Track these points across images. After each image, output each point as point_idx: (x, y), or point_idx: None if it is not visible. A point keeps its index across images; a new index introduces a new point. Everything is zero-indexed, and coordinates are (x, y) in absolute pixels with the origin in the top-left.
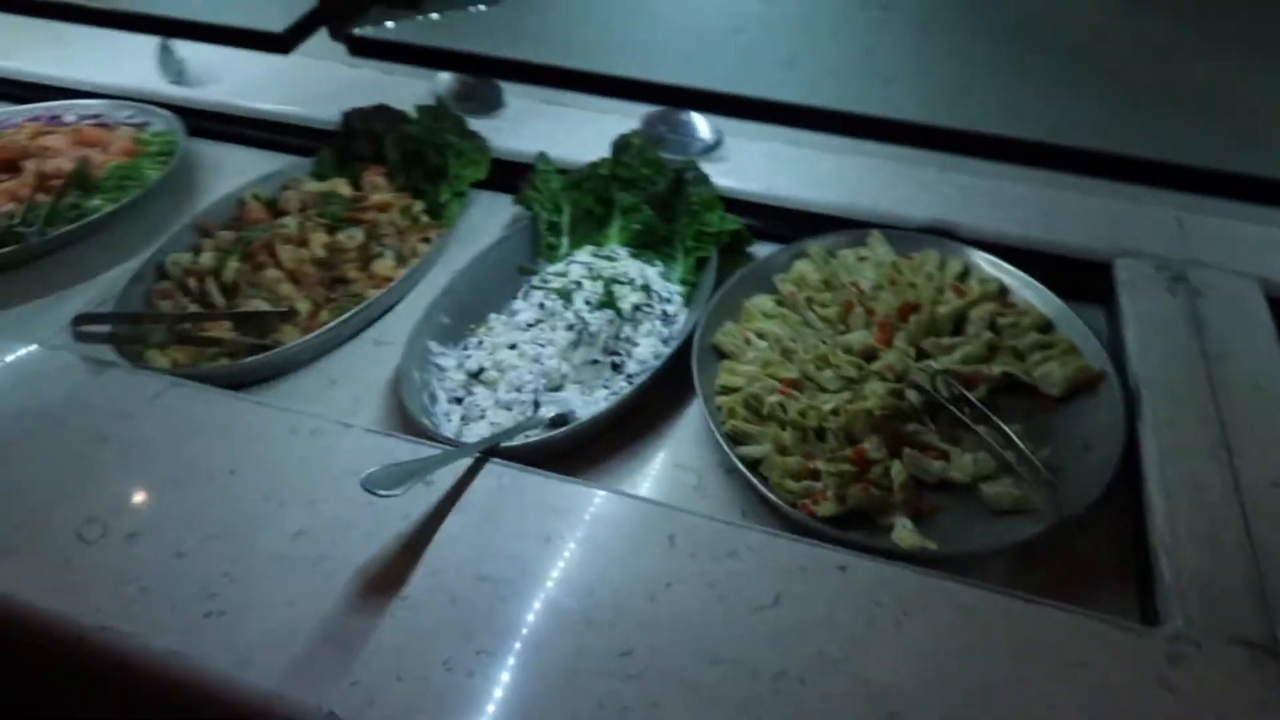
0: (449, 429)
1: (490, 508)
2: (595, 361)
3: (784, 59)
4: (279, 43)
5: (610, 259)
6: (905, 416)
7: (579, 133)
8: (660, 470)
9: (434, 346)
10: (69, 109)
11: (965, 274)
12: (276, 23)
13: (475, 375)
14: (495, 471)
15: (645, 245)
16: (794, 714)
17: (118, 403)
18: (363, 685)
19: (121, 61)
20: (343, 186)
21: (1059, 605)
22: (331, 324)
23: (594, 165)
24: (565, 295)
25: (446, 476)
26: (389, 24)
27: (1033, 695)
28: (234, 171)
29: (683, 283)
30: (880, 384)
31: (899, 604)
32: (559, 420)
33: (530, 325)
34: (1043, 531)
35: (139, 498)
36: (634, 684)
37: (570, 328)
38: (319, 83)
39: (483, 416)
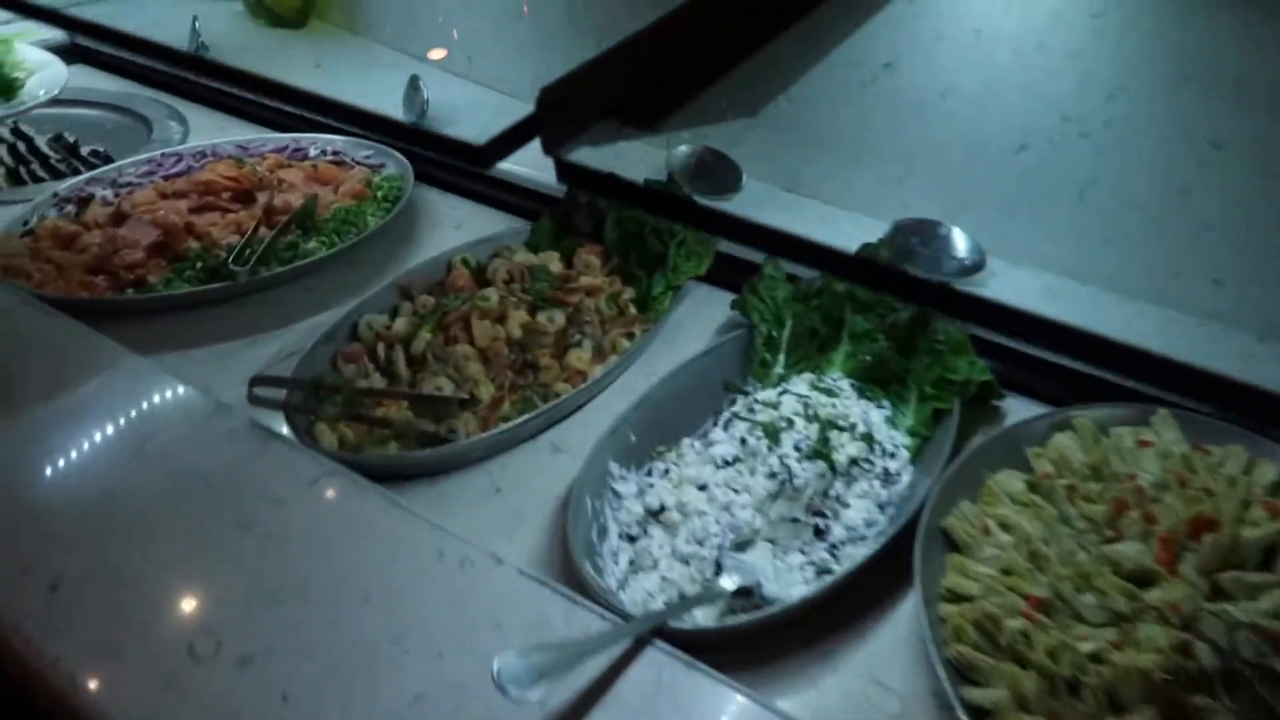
0: (614, 575)
1: (643, 711)
2: (795, 520)
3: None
4: (479, 156)
5: (831, 394)
6: (1192, 683)
7: (819, 232)
8: (854, 683)
9: (615, 469)
10: (314, 142)
11: None
12: (487, 127)
13: (655, 514)
14: (657, 660)
15: (873, 380)
16: None
17: (272, 484)
18: None
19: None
20: (555, 262)
21: None
22: (511, 424)
23: (831, 278)
24: (772, 435)
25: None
26: (609, 144)
27: None
28: (451, 225)
29: (911, 434)
30: (1160, 629)
31: None
32: (742, 591)
33: (726, 464)
34: None
35: (263, 612)
36: None
37: (773, 476)
38: None
39: (655, 566)
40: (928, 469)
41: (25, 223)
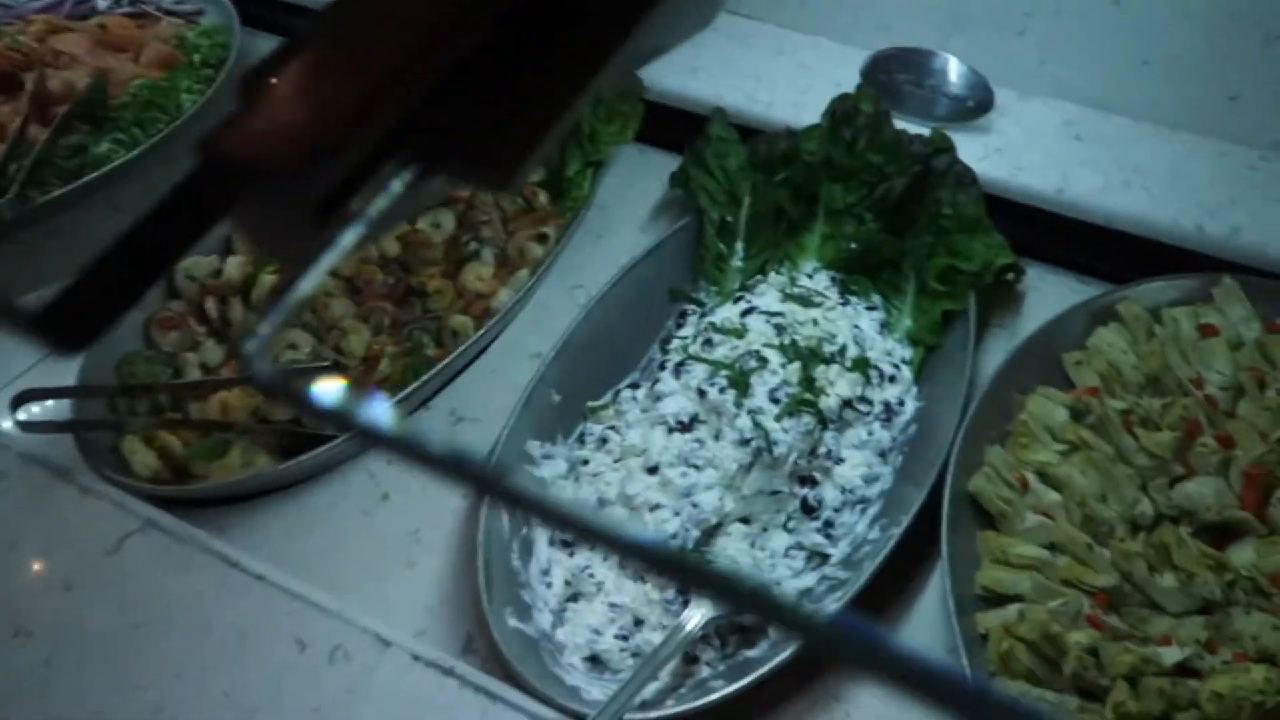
0: (547, 607)
1: None
2: (776, 492)
3: None
4: None
5: (808, 302)
6: None
7: (792, 78)
8: None
9: (536, 449)
10: None
11: None
12: None
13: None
14: None
15: (857, 269)
16: None
17: (56, 561)
18: None
19: None
20: None
21: None
22: (396, 398)
23: (799, 136)
24: (740, 383)
25: None
26: None
27: None
28: None
29: (913, 343)
30: (1261, 620)
31: None
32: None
33: (681, 426)
34: None
35: None
36: None
37: (745, 443)
38: None
39: (599, 590)
40: (937, 393)
41: None
